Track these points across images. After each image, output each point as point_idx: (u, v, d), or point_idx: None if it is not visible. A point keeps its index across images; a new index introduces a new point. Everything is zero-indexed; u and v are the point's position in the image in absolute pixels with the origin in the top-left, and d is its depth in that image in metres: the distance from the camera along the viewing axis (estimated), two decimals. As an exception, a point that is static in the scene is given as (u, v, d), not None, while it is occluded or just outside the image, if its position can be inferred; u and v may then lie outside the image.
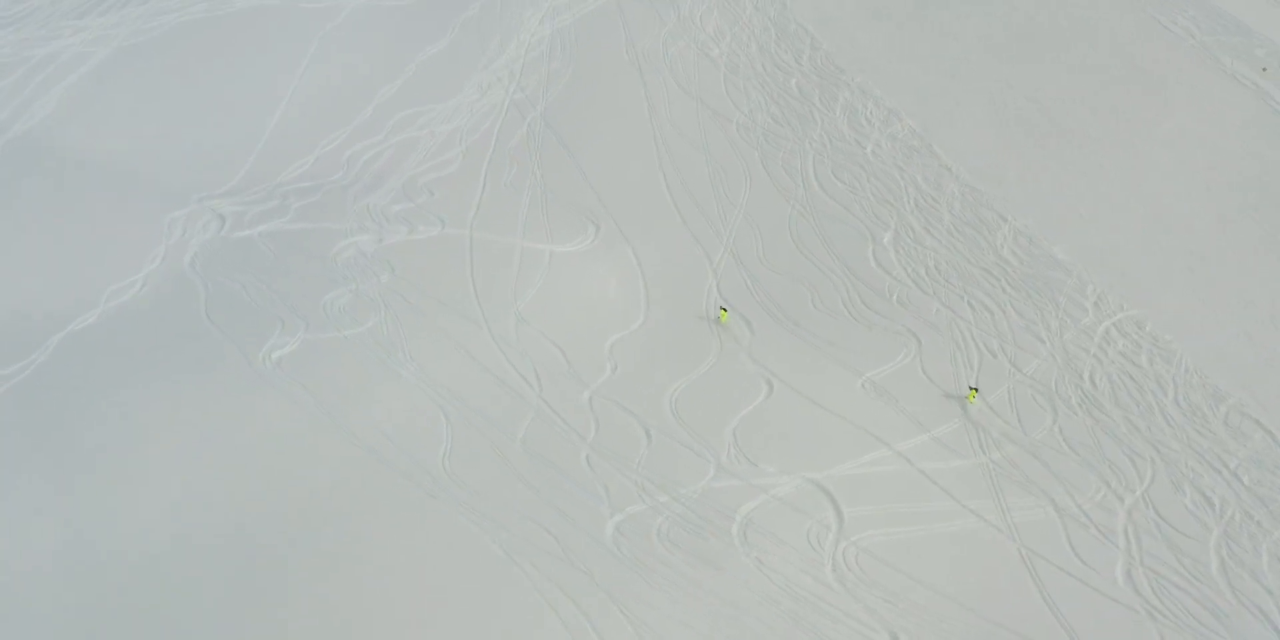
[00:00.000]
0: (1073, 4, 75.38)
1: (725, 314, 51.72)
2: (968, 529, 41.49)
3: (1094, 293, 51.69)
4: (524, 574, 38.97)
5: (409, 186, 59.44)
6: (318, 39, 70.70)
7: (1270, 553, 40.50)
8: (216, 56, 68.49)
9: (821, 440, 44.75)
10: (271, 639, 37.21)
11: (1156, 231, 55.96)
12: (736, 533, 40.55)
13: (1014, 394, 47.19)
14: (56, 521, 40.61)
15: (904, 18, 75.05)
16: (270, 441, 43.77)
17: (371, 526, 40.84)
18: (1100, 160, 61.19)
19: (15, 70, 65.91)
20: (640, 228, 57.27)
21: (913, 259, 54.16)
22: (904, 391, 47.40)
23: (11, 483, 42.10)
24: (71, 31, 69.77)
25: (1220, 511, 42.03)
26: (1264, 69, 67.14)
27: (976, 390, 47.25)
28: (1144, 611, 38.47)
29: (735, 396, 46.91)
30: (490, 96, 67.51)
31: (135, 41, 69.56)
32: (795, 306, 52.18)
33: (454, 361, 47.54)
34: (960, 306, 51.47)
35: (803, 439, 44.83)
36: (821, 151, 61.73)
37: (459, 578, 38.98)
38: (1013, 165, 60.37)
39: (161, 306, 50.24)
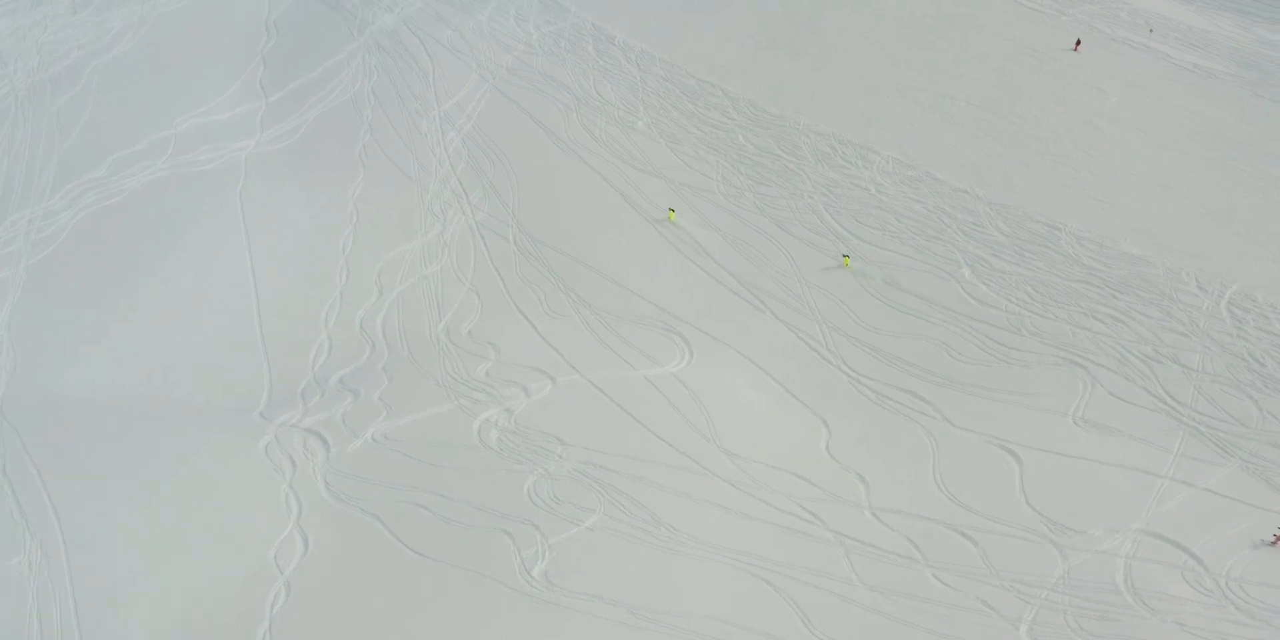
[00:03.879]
0: (939, 4, 78.76)
1: (673, 214, 60.92)
2: (1294, 527, 43.45)
3: (1189, 277, 54.99)
4: (998, 716, 37.29)
5: (457, 340, 54.57)
6: (237, 203, 62.81)
7: None
8: (144, 248, 59.55)
9: (1101, 487, 45.45)
10: None
11: (1178, 200, 60.20)
12: (1135, 603, 40.53)
13: (1203, 391, 49.53)
14: None
15: (793, 45, 75.69)
16: (612, 667, 39.34)
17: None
18: (1071, 144, 64.78)
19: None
20: (718, 323, 55.47)
21: (1007, 286, 55.44)
22: (1110, 417, 48.74)
23: None
24: (-39, 261, 58.55)
25: None
26: (1150, 30, 73.13)
27: (849, 257, 56.90)
28: None
29: (990, 470, 46.69)
30: (453, 224, 62.69)
31: (43, 255, 59.27)
32: (940, 363, 52.37)
33: (722, 521, 44.46)
34: (1088, 322, 53.28)
35: (1084, 491, 45.36)
36: (828, 202, 61.76)
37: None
38: (1008, 170, 62.83)
39: (348, 556, 43.63)
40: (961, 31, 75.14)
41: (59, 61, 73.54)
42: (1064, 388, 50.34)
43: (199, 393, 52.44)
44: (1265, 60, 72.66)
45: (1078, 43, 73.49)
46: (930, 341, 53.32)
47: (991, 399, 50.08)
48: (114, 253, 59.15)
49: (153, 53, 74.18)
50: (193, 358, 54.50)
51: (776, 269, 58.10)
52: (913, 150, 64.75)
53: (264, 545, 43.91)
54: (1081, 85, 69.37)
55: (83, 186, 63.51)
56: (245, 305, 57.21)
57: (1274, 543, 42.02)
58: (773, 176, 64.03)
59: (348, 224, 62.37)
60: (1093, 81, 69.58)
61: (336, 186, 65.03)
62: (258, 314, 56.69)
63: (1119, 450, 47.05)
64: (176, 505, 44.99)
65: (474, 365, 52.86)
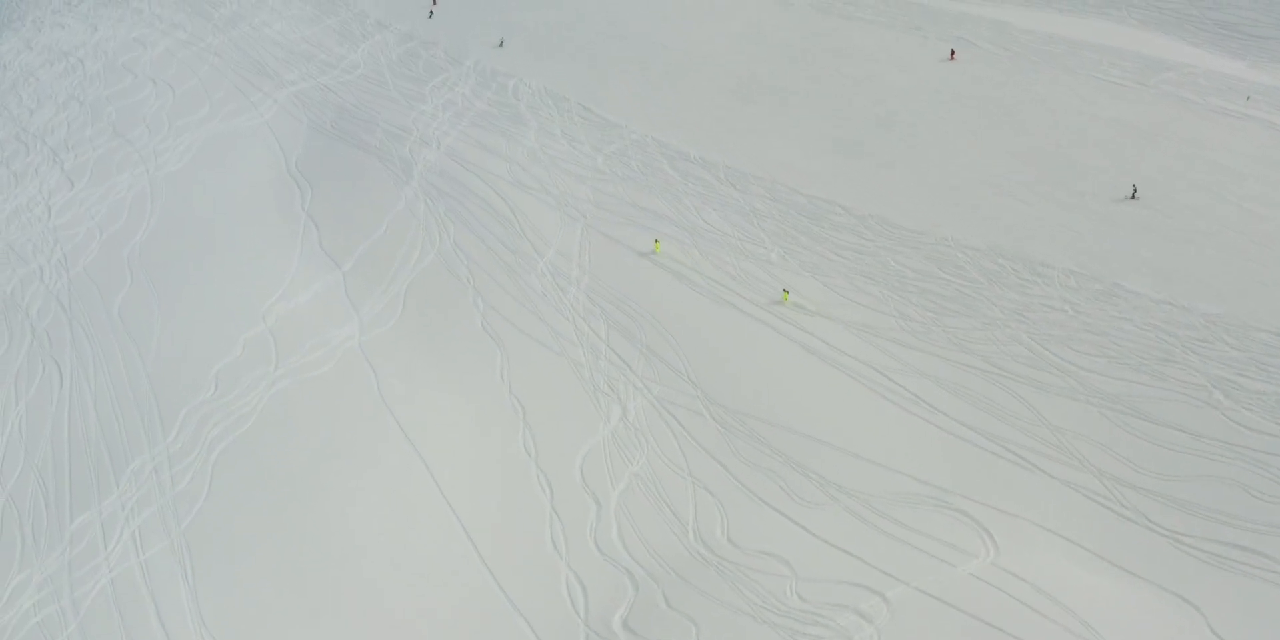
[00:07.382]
0: (1003, 88, 75.81)
1: (658, 245, 62.82)
2: None
3: None
4: None
5: (722, 552, 48.55)
6: (386, 413, 54.15)
7: None
8: (310, 489, 50.71)
9: None
10: None
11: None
12: None
13: None
14: None
15: (874, 145, 71.50)
16: None
17: None
18: (1238, 233, 62.67)
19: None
20: (991, 490, 50.83)
21: (1270, 408, 52.66)
22: None
23: None
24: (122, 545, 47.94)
25: None
26: (1248, 98, 71.93)
27: (788, 292, 59.04)
28: None
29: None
30: (630, 402, 55.74)
31: (194, 514, 49.46)
32: (1245, 506, 49.07)
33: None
34: (1337, 430, 51.03)
35: None
36: (1032, 330, 57.69)
37: None
38: (1195, 273, 60.18)
39: None
40: (1046, 114, 72.36)
41: (83, 249, 62.50)
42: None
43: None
44: (1355, 117, 72.92)
45: (952, 53, 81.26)
46: (1221, 481, 49.86)
47: (1297, 533, 46.95)
48: (277, 499, 49.84)
49: (185, 225, 64.05)
50: (434, 624, 46.15)
51: (1011, 414, 53.47)
52: (1084, 259, 61.38)
53: None
54: (1210, 166, 67.54)
55: (197, 415, 53.44)
56: (460, 547, 49.07)
57: None
58: (952, 305, 59.44)
59: (515, 418, 54.58)
60: (1218, 160, 67.78)
61: (478, 372, 57.05)
62: (479, 556, 48.67)
63: None
64: None
65: (766, 584, 46.37)
